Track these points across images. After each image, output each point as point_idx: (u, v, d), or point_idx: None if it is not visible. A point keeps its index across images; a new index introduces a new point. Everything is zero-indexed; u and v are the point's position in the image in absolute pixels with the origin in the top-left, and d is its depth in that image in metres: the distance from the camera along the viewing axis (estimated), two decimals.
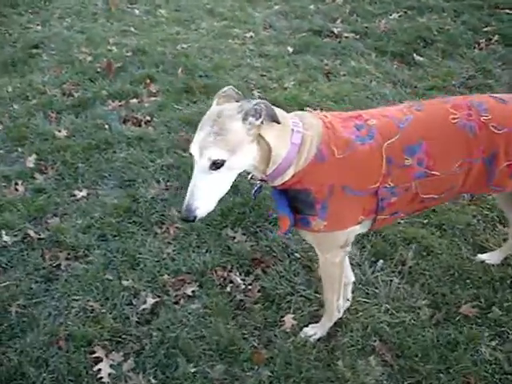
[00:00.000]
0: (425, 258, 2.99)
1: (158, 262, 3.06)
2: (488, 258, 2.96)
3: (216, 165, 1.90)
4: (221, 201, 2.02)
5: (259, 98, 4.68)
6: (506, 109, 2.20)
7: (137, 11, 6.84)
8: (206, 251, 3.13)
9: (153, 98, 4.75)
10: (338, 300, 2.51)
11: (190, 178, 1.96)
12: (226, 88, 2.12)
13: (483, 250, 3.02)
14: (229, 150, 1.90)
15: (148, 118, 4.45)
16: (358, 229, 2.27)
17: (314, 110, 4.42)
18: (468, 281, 2.85)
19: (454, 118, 2.14)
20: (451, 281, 2.85)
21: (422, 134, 2.12)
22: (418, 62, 5.00)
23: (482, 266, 2.91)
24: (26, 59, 5.55)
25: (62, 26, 6.44)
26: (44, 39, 6.02)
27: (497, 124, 2.13)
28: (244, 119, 1.92)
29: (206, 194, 1.93)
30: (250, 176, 2.39)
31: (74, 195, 3.62)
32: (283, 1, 6.91)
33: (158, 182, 3.71)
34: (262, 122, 1.94)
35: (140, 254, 3.11)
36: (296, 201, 2.12)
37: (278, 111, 2.02)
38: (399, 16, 6.10)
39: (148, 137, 4.17)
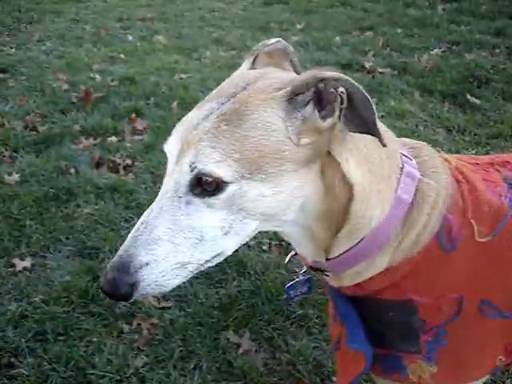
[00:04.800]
0: None
1: (119, 382, 2.01)
2: None
3: (204, 186, 0.93)
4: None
5: None
6: None
7: (130, 37, 5.92)
8: (195, 368, 2.09)
9: (137, 137, 3.71)
10: None
11: None
12: (273, 40, 1.16)
13: None
14: (243, 164, 0.93)
15: (128, 161, 3.39)
16: None
17: None
18: None
19: None
20: None
21: None
22: (474, 105, 3.99)
23: None
24: None
25: (39, 49, 5.54)
26: (16, 63, 5.07)
27: None
28: (290, 105, 0.96)
29: (168, 242, 0.95)
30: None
31: (13, 265, 2.60)
32: (302, 31, 6.00)
33: None
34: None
35: (93, 366, 2.08)
36: (380, 322, 1.12)
37: (382, 126, 1.00)
38: (442, 51, 5.24)
39: (125, 187, 3.11)
